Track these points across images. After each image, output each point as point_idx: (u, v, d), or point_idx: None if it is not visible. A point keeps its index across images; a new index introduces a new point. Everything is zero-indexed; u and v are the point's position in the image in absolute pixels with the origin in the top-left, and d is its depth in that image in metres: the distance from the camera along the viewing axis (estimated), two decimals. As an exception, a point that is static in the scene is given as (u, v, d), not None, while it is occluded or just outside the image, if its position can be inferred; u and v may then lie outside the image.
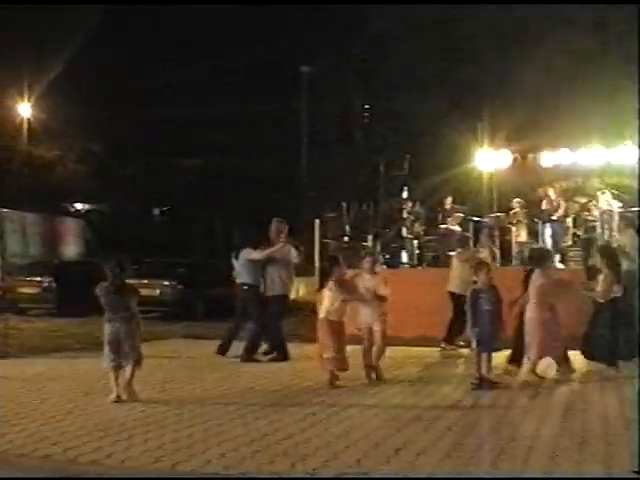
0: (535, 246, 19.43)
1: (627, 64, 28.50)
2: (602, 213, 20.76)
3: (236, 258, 14.94)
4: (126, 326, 10.47)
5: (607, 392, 10.84)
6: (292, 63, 39.99)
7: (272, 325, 14.65)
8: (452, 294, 15.78)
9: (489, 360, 11.09)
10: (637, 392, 10.21)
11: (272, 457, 7.32)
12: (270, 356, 14.57)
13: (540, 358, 11.52)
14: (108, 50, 42.67)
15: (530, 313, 11.50)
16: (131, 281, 26.57)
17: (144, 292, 23.99)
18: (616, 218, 19.99)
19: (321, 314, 11.79)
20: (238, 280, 14.87)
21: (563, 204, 22.39)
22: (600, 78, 30.22)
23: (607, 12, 31.39)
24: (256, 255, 14.56)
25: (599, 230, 20.48)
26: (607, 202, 21.14)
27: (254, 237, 15.38)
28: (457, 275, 15.95)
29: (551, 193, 22.73)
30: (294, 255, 14.74)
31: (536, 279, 11.56)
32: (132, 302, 10.70)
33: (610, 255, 12.55)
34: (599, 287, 12.15)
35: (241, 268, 14.78)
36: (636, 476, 6.73)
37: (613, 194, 21.52)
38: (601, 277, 12.24)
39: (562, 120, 28.88)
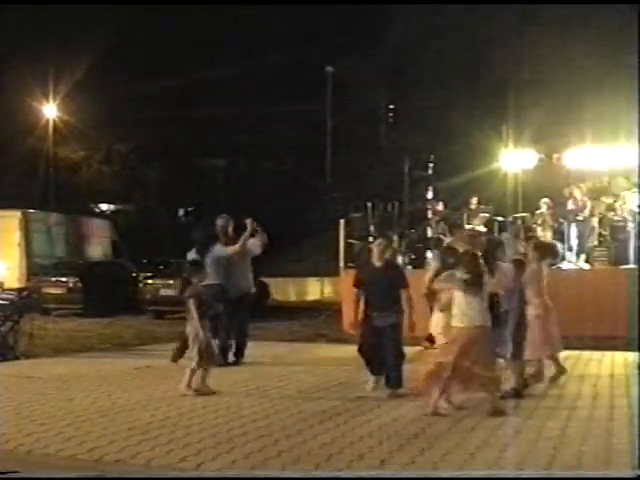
0: (494, 238, 19.15)
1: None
2: (632, 212, 20.64)
3: (201, 256, 13.72)
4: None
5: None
6: (317, 63, 40.06)
7: (244, 325, 14.32)
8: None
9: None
10: (637, 391, 10.18)
11: (296, 457, 7.32)
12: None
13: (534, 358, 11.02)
14: (134, 51, 42.84)
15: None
16: (156, 281, 26.79)
17: (169, 292, 24.34)
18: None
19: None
20: (208, 281, 12.97)
21: (589, 204, 22.28)
22: (626, 76, 30.05)
23: (633, 9, 31.23)
24: (231, 250, 13.94)
25: (630, 229, 20.36)
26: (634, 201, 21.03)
27: (210, 235, 14.44)
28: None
29: (577, 193, 22.62)
30: (257, 246, 14.28)
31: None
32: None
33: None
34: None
35: (211, 267, 13.50)
36: (637, 476, 6.72)
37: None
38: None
39: (587, 119, 28.76)
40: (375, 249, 11.08)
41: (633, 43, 26.15)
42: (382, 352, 10.64)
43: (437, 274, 11.13)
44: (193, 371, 10.74)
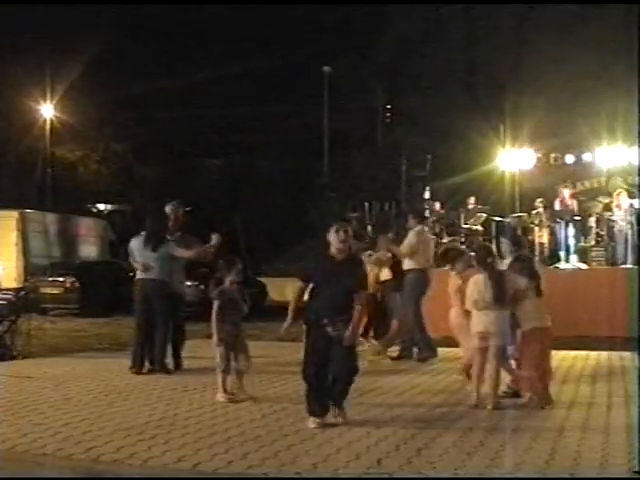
0: (449, 245, 19.15)
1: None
2: (626, 211, 20.66)
3: (153, 250, 13.08)
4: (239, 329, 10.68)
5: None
6: (314, 64, 40.07)
7: (181, 327, 13.89)
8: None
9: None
10: (637, 391, 10.19)
11: (294, 457, 7.33)
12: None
13: (470, 364, 10.58)
14: (130, 50, 42.84)
15: (454, 318, 11.13)
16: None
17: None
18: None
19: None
20: (148, 275, 13.10)
21: (576, 204, 22.29)
22: (624, 76, 30.09)
23: (631, 10, 31.27)
24: (180, 253, 13.24)
25: (627, 229, 20.38)
26: (627, 201, 21.05)
27: (161, 225, 13.50)
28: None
29: (565, 193, 22.62)
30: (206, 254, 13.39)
31: (453, 281, 11.29)
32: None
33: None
34: None
35: (157, 262, 13.04)
36: (636, 476, 6.72)
37: (630, 193, 21.44)
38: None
39: (585, 120, 28.77)
40: (334, 237, 8.78)
41: (633, 43, 26.21)
42: (333, 369, 8.80)
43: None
44: (223, 377, 10.39)
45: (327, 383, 8.82)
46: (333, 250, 8.74)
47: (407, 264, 14.68)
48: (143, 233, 13.36)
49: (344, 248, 8.75)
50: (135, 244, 13.39)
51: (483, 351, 9.72)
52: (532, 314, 9.76)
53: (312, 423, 8.64)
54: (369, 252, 16.43)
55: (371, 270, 15.59)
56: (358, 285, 8.80)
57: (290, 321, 9.01)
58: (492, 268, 9.92)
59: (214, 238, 12.92)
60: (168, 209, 13.78)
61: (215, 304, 10.47)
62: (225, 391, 10.36)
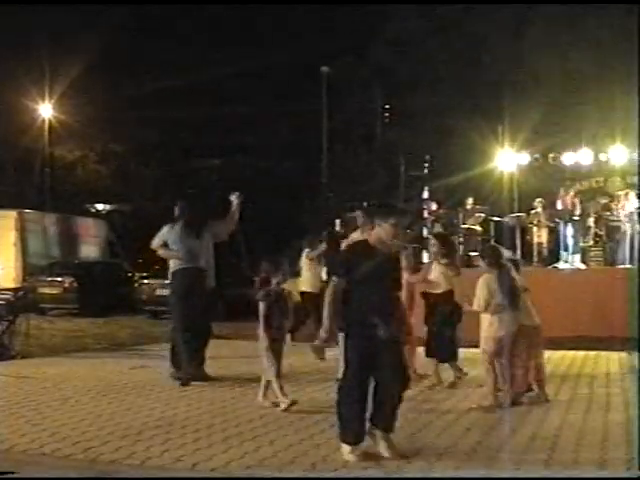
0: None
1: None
2: (630, 214, 20.62)
3: (197, 236, 12.24)
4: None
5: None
6: (312, 63, 40.06)
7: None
8: (304, 293, 15.98)
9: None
10: (637, 390, 10.19)
11: (293, 457, 7.32)
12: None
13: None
14: (129, 50, 42.85)
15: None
16: (152, 281, 26.78)
17: (165, 292, 24.23)
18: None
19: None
20: (194, 263, 12.15)
21: (578, 204, 22.30)
22: (622, 77, 30.08)
23: (629, 10, 31.27)
24: (229, 225, 12.84)
25: (627, 230, 20.37)
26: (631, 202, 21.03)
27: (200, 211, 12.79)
28: (308, 275, 16.08)
29: (570, 193, 22.65)
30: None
31: (408, 278, 11.03)
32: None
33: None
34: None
35: (201, 250, 12.27)
36: (637, 476, 6.71)
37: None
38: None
39: (583, 120, 28.79)
40: (389, 229, 7.52)
41: (632, 43, 26.20)
42: (381, 382, 7.42)
43: None
44: (268, 382, 9.90)
45: (368, 402, 7.43)
46: (379, 243, 7.51)
47: None
48: (175, 224, 12.32)
49: (392, 243, 7.67)
50: (171, 234, 12.24)
51: (499, 354, 9.69)
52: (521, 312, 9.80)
53: (350, 455, 7.26)
54: (307, 250, 16.29)
55: (314, 268, 15.65)
56: (400, 282, 7.99)
57: (328, 328, 7.64)
58: (503, 269, 9.87)
59: (234, 197, 12.72)
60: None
61: (261, 306, 9.94)
62: (285, 395, 9.72)
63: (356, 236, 13.49)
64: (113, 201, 50.56)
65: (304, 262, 16.31)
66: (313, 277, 15.92)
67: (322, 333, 7.65)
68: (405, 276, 10.31)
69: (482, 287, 9.71)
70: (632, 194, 21.14)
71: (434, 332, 11.47)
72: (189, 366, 11.63)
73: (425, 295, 11.74)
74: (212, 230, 12.41)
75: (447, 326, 11.36)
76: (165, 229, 12.40)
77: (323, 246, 15.59)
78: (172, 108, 42.28)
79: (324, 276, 15.31)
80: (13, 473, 6.83)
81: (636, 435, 7.79)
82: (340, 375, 7.56)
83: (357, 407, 7.31)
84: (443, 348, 11.42)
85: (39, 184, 43.47)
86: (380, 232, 7.48)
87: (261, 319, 9.89)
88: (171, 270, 12.26)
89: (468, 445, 7.81)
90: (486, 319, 9.75)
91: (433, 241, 12.10)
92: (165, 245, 12.34)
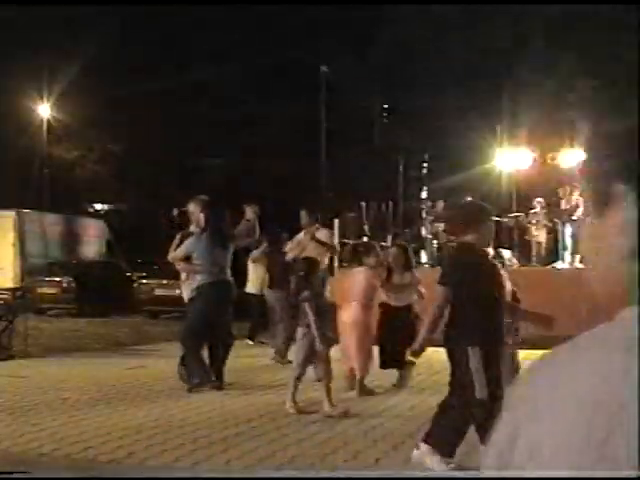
0: (357, 241, 18.93)
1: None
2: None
3: (224, 247, 11.58)
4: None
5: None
6: (311, 63, 40.05)
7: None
8: (250, 295, 15.89)
9: None
10: (637, 390, 10.16)
11: (292, 457, 7.33)
12: None
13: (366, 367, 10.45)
14: (127, 50, 42.82)
15: (353, 316, 10.59)
16: (151, 281, 26.73)
17: (164, 292, 24.31)
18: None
19: None
20: (223, 277, 11.52)
21: (581, 204, 22.30)
22: (621, 76, 30.09)
23: (628, 11, 31.29)
24: (247, 238, 13.33)
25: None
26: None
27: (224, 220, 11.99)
28: (253, 277, 16.00)
29: (574, 193, 22.67)
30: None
31: (362, 277, 10.83)
32: None
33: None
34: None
35: (227, 261, 11.62)
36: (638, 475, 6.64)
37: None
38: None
39: (581, 119, 28.78)
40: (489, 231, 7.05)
41: (631, 42, 26.20)
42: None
43: None
44: (296, 384, 9.57)
45: None
46: (487, 249, 7.06)
47: None
48: (201, 233, 11.46)
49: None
50: (199, 245, 11.36)
51: None
52: None
53: (439, 464, 6.84)
54: (253, 252, 15.77)
55: (257, 270, 15.59)
56: None
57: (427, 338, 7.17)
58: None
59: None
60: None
61: (307, 307, 9.45)
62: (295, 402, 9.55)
63: (300, 237, 13.52)
64: (112, 201, 50.54)
65: (249, 264, 16.05)
66: (257, 279, 15.79)
67: (419, 342, 7.23)
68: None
69: None
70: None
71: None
72: (199, 372, 11.02)
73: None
74: (234, 240, 12.18)
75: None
76: (190, 242, 11.44)
77: (265, 247, 15.31)
78: (171, 108, 42.30)
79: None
80: (26, 472, 6.84)
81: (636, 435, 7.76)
82: (480, 394, 6.58)
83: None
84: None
85: (37, 184, 43.46)
86: (481, 235, 6.84)
87: (312, 320, 9.38)
88: (194, 283, 11.37)
89: (467, 444, 7.82)
90: None
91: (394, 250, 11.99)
92: (188, 258, 11.46)
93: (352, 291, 10.85)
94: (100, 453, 7.48)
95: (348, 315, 10.74)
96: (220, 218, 11.69)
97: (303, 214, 13.97)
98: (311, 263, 9.95)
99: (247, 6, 40.14)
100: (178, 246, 11.59)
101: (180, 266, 11.65)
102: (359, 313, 10.69)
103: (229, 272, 11.52)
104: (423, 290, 11.13)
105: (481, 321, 6.60)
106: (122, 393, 10.77)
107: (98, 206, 49.97)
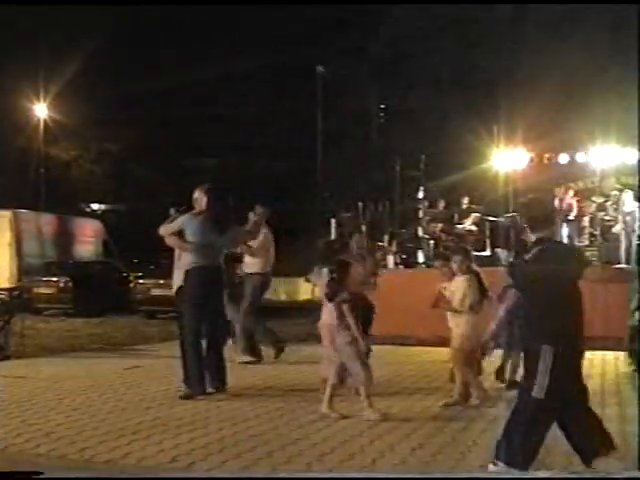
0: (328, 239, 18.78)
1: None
2: (625, 214, 20.60)
3: (220, 233, 11.03)
4: None
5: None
6: (308, 63, 40.06)
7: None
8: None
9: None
10: (637, 389, 10.20)
11: (288, 457, 7.32)
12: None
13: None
14: (124, 50, 42.82)
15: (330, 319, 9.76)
16: (147, 281, 26.75)
17: (161, 292, 24.28)
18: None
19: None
20: (212, 262, 11.01)
21: (575, 205, 22.31)
22: (617, 76, 30.12)
23: (624, 11, 31.29)
24: (245, 238, 12.99)
25: (620, 230, 20.34)
26: (628, 202, 20.98)
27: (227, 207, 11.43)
28: None
29: (569, 193, 22.69)
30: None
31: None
32: None
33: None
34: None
35: (220, 248, 11.21)
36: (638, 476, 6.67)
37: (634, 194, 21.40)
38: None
39: (578, 119, 28.80)
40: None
41: (629, 42, 26.21)
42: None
43: None
44: (334, 388, 9.25)
45: None
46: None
47: (250, 266, 14.00)
48: (197, 214, 11.15)
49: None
50: (191, 224, 10.98)
51: (475, 352, 9.72)
52: None
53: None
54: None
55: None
56: None
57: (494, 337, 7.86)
58: (472, 271, 9.92)
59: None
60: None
61: (346, 309, 9.18)
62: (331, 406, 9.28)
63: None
64: (108, 201, 50.56)
65: None
66: None
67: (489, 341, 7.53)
68: None
69: (469, 287, 9.78)
70: (627, 194, 21.13)
71: None
72: (194, 381, 10.59)
73: None
74: (233, 233, 11.47)
75: None
76: (184, 217, 11.10)
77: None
78: (168, 108, 42.30)
79: None
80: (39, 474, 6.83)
81: (635, 435, 7.78)
82: (536, 393, 6.38)
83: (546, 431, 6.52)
84: None
85: (34, 184, 43.43)
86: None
87: (352, 321, 9.12)
88: (183, 268, 10.94)
89: (464, 444, 7.82)
90: (464, 319, 9.77)
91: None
92: (179, 235, 10.99)
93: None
94: (97, 453, 7.47)
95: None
96: (221, 201, 11.27)
97: (250, 215, 14.04)
98: (342, 265, 9.62)
99: (246, 7, 40.13)
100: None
101: (170, 240, 11.10)
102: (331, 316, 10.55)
103: (222, 259, 11.13)
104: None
105: (556, 320, 6.47)
106: (119, 393, 10.75)
107: (95, 206, 49.98)
